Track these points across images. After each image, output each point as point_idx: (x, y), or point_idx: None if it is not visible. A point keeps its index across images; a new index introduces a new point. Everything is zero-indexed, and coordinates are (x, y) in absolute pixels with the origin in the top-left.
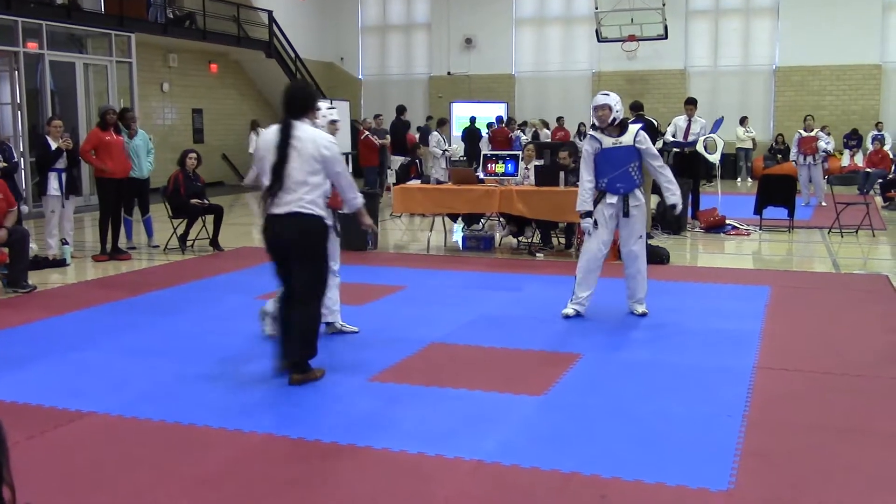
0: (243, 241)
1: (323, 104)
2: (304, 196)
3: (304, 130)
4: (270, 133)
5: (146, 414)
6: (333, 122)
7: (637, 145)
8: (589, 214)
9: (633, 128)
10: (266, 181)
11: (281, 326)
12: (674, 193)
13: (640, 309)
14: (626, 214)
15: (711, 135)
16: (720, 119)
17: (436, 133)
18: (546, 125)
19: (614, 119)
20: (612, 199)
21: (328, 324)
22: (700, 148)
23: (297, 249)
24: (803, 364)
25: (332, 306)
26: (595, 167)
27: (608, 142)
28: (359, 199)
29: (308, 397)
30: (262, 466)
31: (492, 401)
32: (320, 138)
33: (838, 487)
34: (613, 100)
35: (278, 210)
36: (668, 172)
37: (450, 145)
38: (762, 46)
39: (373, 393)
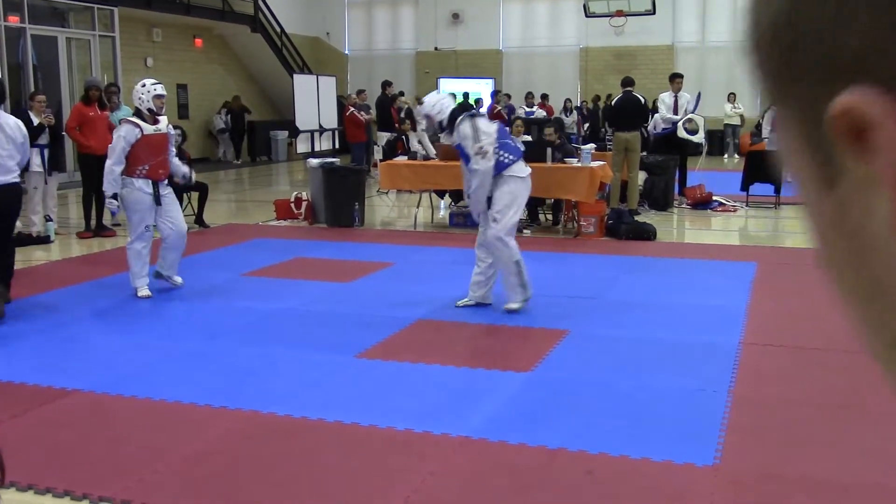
0: (229, 217)
1: (148, 80)
2: (14, 168)
3: (4, 117)
4: None
5: (132, 391)
6: (159, 96)
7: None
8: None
9: (458, 125)
10: None
11: None
12: (471, 187)
13: (506, 304)
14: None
15: (691, 115)
16: (698, 95)
17: None
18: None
19: (440, 123)
20: None
21: (157, 273)
22: (681, 133)
23: (10, 212)
24: (789, 340)
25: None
26: None
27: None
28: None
29: (295, 374)
30: (248, 443)
31: (478, 377)
32: (17, 120)
33: (823, 462)
34: (428, 106)
35: None
36: (476, 177)
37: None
38: None
39: (359, 370)
